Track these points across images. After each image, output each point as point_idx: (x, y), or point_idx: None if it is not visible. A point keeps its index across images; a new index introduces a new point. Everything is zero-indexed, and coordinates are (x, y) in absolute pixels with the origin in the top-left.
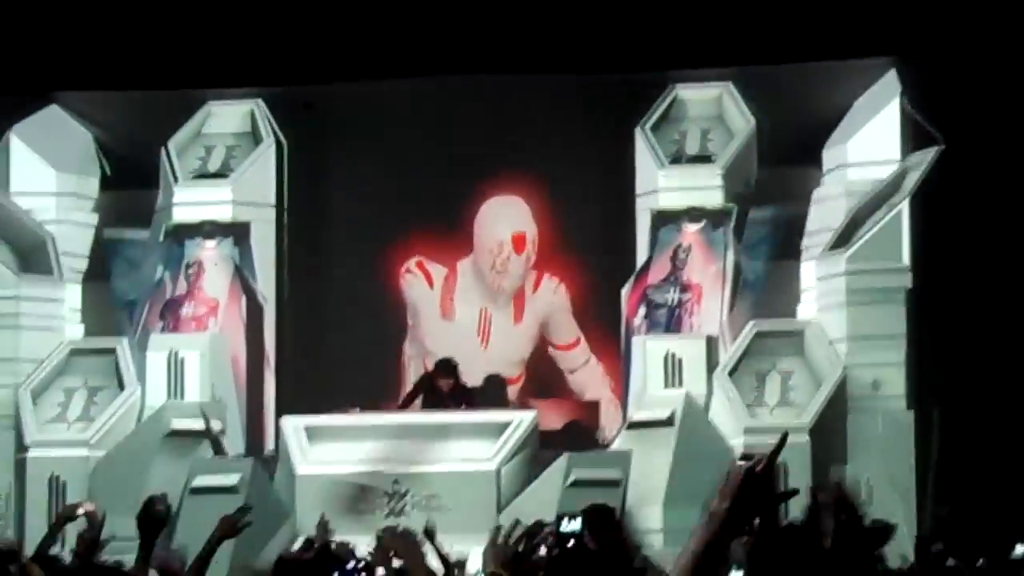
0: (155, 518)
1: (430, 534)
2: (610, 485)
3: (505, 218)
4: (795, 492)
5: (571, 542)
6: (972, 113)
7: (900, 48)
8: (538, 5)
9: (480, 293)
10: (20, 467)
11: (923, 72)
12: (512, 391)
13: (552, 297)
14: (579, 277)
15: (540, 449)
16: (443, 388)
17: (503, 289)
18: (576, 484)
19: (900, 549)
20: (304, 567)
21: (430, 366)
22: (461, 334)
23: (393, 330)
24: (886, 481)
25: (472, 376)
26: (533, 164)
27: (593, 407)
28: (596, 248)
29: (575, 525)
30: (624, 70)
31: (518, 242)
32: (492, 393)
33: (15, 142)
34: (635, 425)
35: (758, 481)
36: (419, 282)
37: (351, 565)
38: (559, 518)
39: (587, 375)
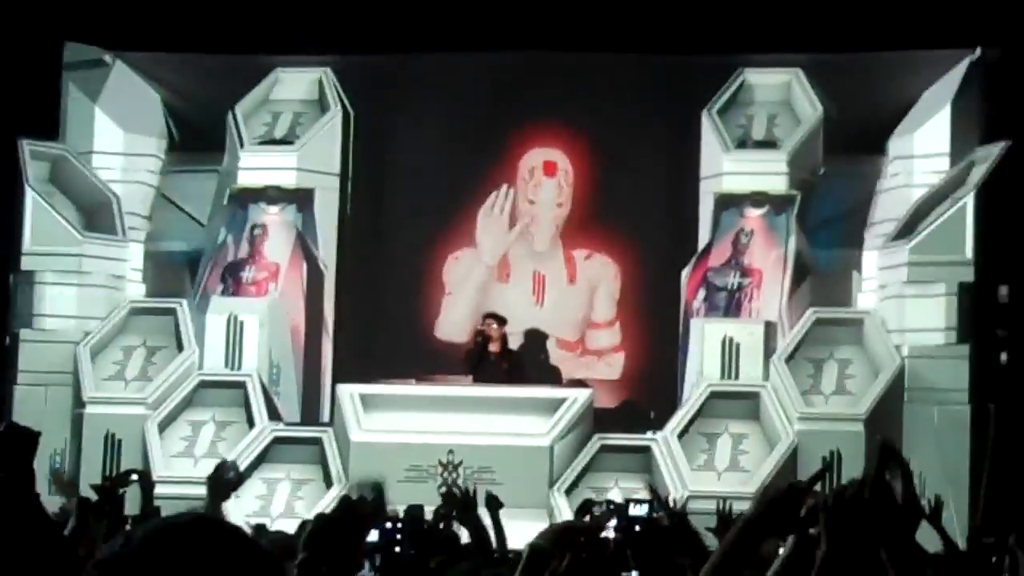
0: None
1: (493, 503)
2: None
3: (540, 155)
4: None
5: (638, 527)
6: None
7: (972, 40)
8: None
9: (530, 256)
10: (77, 424)
11: (995, 66)
12: (569, 362)
13: (601, 270)
14: (629, 257)
15: (594, 427)
16: (491, 340)
17: (539, 222)
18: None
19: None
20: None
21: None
22: (516, 296)
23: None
24: (941, 474)
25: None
26: (598, 143)
27: (649, 389)
28: (649, 228)
29: (642, 510)
30: (693, 52)
31: (548, 166)
32: (537, 353)
33: (77, 99)
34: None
35: (794, 499)
36: (469, 256)
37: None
38: (626, 503)
39: (606, 363)
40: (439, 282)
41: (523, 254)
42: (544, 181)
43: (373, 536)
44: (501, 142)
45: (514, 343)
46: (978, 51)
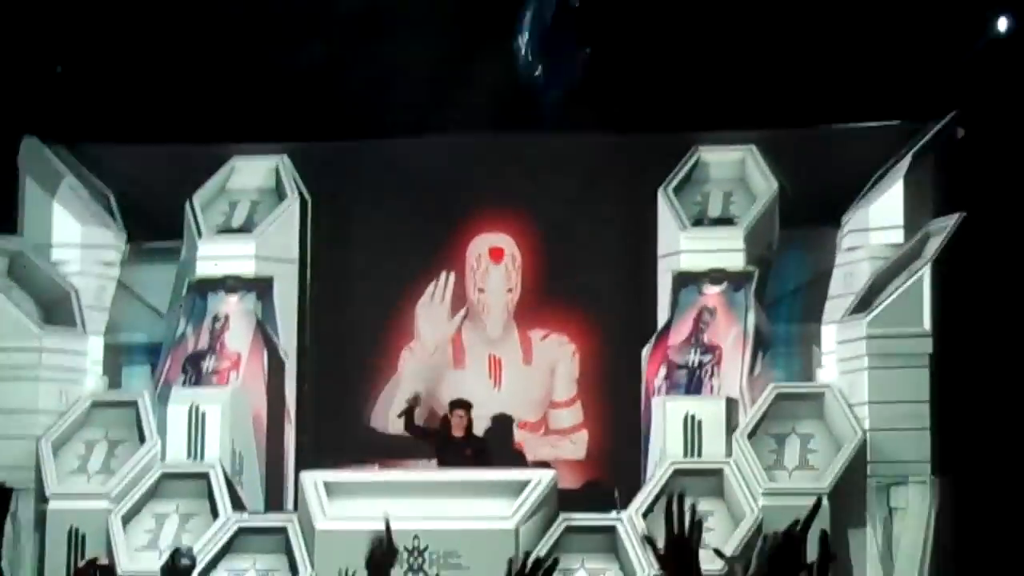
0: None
1: None
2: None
3: (485, 241)
4: (833, 557)
5: None
6: (995, 179)
7: (923, 113)
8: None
9: (483, 340)
10: (40, 519)
11: (946, 137)
12: (533, 442)
13: (558, 349)
14: (587, 336)
15: (559, 509)
16: (454, 429)
17: (489, 309)
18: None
19: None
20: None
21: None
22: (473, 379)
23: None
24: (906, 547)
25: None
26: (550, 223)
27: (613, 467)
28: (606, 307)
29: None
30: (647, 130)
31: (495, 253)
32: (502, 436)
33: (33, 193)
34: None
35: (794, 545)
36: (418, 348)
37: None
38: None
39: (571, 441)
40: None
41: (476, 340)
42: (491, 267)
43: None
44: (451, 227)
45: (478, 427)
46: (925, 124)
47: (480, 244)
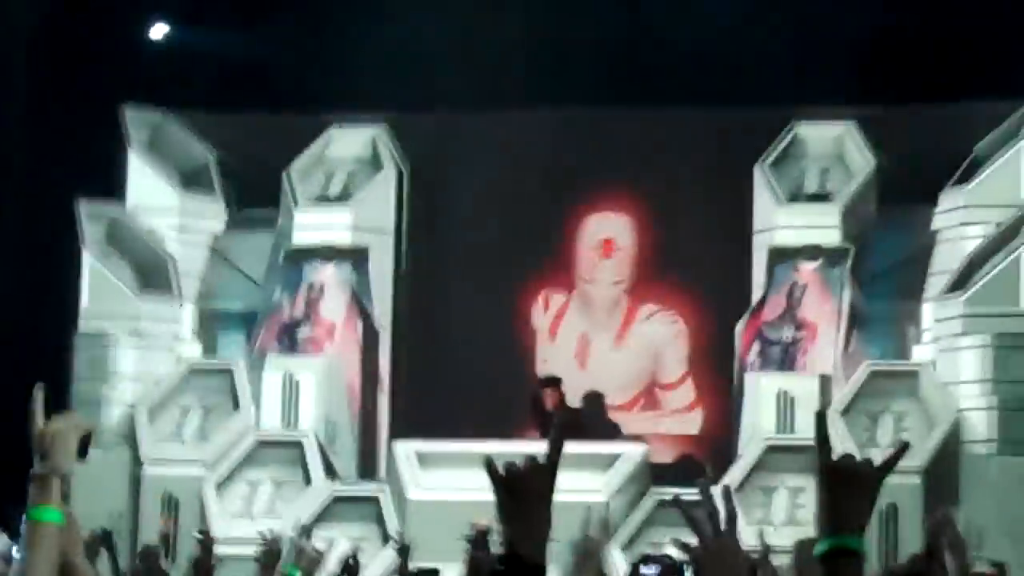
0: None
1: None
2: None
3: (599, 227)
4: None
5: None
6: None
7: (1022, 92)
8: (660, 38)
9: (585, 317)
10: (135, 484)
11: None
12: (625, 419)
13: (666, 329)
14: (695, 313)
15: (651, 483)
16: (547, 404)
17: (593, 300)
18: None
19: None
20: None
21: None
22: (560, 356)
23: (507, 358)
24: (998, 526)
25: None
26: (650, 196)
27: (704, 442)
28: (712, 283)
29: (652, 571)
30: (745, 105)
31: (605, 246)
32: (593, 412)
33: (135, 159)
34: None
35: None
36: (539, 311)
37: None
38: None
39: (686, 419)
40: (495, 338)
41: (576, 316)
42: (601, 263)
43: None
44: (555, 202)
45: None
46: None
47: (592, 232)
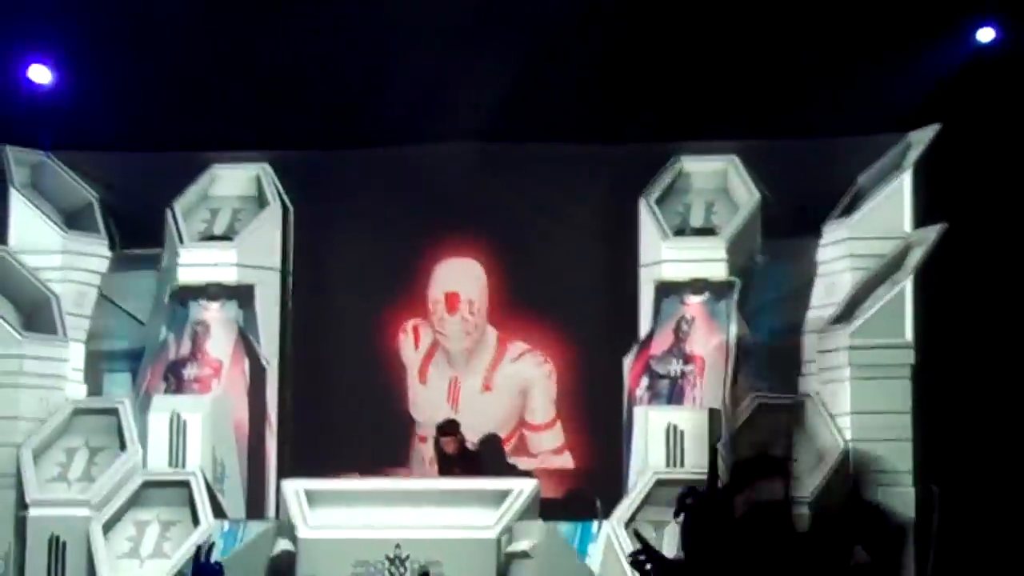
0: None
1: None
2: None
3: (447, 277)
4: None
5: None
6: (977, 191)
7: (904, 125)
8: (545, 74)
9: (452, 361)
10: (20, 526)
11: (929, 149)
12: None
13: (534, 371)
14: (567, 351)
15: (541, 518)
16: (447, 450)
17: (449, 350)
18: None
19: None
20: None
21: (415, 431)
22: (432, 400)
23: (387, 395)
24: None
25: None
26: (532, 235)
27: (596, 477)
28: (593, 320)
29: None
30: (629, 140)
31: (450, 300)
32: (493, 453)
33: (16, 199)
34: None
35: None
36: (408, 344)
37: None
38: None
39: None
40: (383, 374)
41: (442, 360)
42: (446, 317)
43: None
44: (435, 231)
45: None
46: (910, 135)
47: (440, 282)
